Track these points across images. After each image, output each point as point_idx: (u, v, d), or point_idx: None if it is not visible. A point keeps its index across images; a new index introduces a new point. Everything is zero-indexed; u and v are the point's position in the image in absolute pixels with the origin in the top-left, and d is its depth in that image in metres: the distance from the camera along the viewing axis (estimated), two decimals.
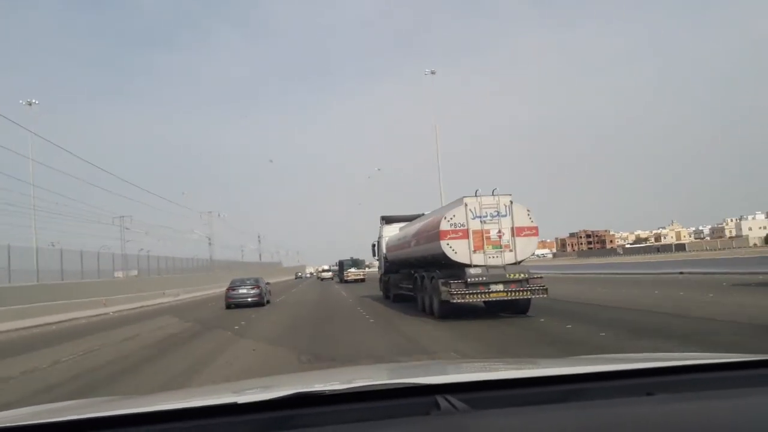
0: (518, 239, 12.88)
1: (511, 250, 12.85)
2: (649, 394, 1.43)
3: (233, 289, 23.58)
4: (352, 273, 53.92)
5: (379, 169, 68.70)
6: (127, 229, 56.31)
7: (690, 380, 1.59)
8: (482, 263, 12.72)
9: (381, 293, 25.32)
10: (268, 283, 27.44)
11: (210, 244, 68.72)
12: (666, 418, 1.27)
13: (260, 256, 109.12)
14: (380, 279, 25.27)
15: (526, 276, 12.69)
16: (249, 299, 23.21)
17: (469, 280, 12.47)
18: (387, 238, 22.96)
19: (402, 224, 22.46)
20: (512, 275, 12.58)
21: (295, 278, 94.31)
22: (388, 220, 24.13)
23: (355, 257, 60.14)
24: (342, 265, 58.60)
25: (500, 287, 12.59)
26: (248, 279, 25.15)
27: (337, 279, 62.42)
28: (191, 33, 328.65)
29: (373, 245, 25.83)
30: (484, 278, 12.52)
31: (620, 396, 1.47)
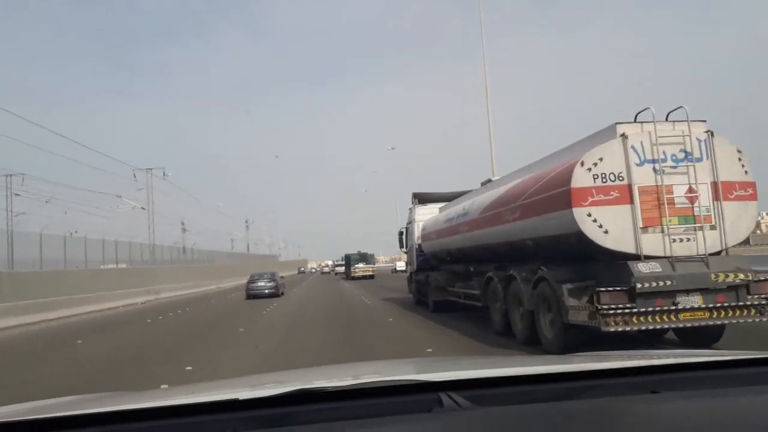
0: (726, 205, 6.57)
1: (713, 227, 6.55)
2: (653, 391, 1.40)
3: (252, 282, 26.45)
4: (360, 268, 48.09)
5: (392, 148, 63.11)
6: (17, 195, 35.89)
7: (695, 378, 1.56)
8: (661, 252, 6.43)
9: (409, 296, 19.18)
10: (282, 277, 30.03)
11: (184, 230, 52.45)
12: (671, 415, 1.24)
13: (248, 246, 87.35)
14: (410, 278, 19.04)
15: (748, 278, 6.38)
16: (266, 291, 25.74)
17: (638, 285, 6.17)
18: (422, 223, 16.82)
19: (442, 204, 16.37)
20: (722, 277, 6.28)
21: (298, 273, 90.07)
22: (422, 198, 17.87)
23: (362, 251, 53.74)
24: (349, 260, 52.20)
25: (697, 301, 6.30)
26: (265, 273, 27.82)
27: (342, 275, 57.23)
28: (197, 31, 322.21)
29: (401, 233, 19.57)
30: (670, 282, 6.22)
31: (625, 393, 1.44)
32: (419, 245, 17.19)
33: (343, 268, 58.45)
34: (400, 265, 76.08)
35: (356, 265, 49.08)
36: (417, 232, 17.26)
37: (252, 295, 25.57)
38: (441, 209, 16.00)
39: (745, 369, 1.63)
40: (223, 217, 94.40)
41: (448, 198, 16.60)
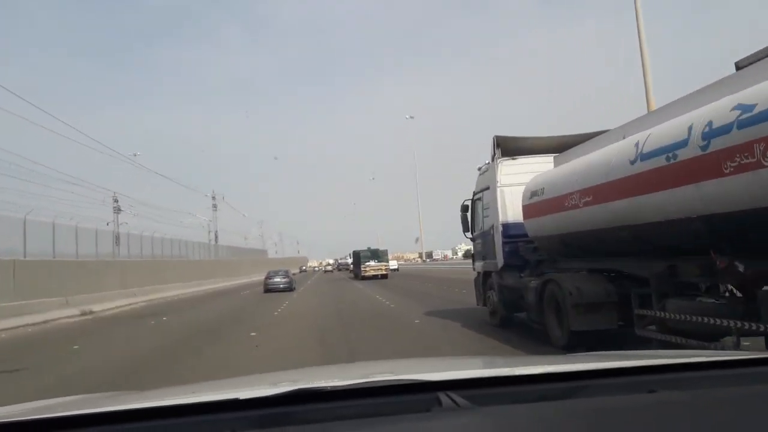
0: None
1: None
2: (651, 391, 1.38)
3: (270, 278, 30.08)
4: (372, 267, 41.46)
5: (411, 117, 57.99)
6: None
7: (693, 378, 1.56)
8: None
9: (473, 308, 12.06)
10: (294, 273, 37.50)
11: (118, 208, 32.06)
12: (668, 415, 1.22)
13: (216, 235, 61.31)
14: (481, 281, 11.60)
15: None
16: (281, 286, 29.43)
17: None
18: (512, 189, 9.89)
19: (548, 156, 9.38)
20: None
21: (300, 272, 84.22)
22: (511, 147, 10.45)
23: (372, 247, 45.85)
24: (358, 257, 44.83)
25: None
26: (280, 270, 31.45)
27: (340, 273, 52.70)
28: (196, 29, 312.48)
29: (465, 208, 12.24)
30: None
31: (622, 393, 1.43)
32: (506, 225, 10.03)
33: (353, 265, 51.85)
34: (393, 265, 71.03)
35: (367, 263, 41.93)
36: (502, 203, 10.09)
37: (269, 289, 29.31)
38: (558, 159, 8.90)
39: (742, 369, 1.63)
40: (187, 195, 72.75)
41: (561, 144, 9.50)
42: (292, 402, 1.36)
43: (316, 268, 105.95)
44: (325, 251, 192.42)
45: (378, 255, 43.60)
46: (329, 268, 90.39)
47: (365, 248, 44.99)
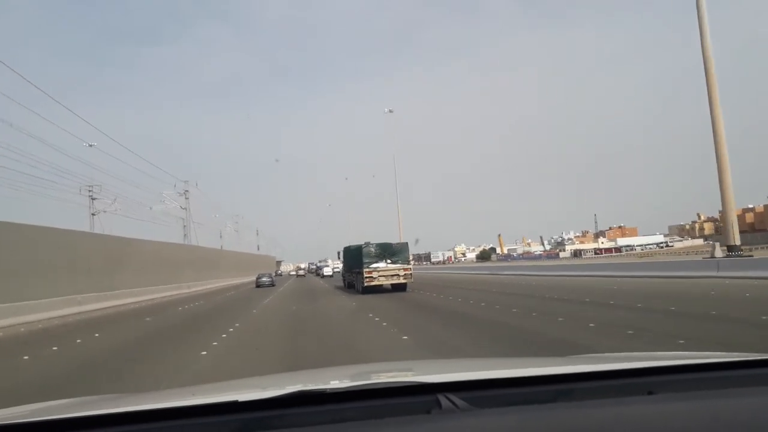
0: None
1: None
2: (650, 393, 1.40)
3: (259, 278, 45.32)
4: (382, 272, 25.10)
5: (390, 111, 51.11)
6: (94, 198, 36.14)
7: (691, 379, 1.56)
8: None
9: None
10: (275, 275, 60.36)
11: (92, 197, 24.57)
12: (667, 417, 1.23)
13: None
14: None
15: None
16: (266, 283, 44.13)
17: None
18: None
19: None
20: None
21: (276, 275, 76.02)
22: None
23: (378, 242, 26.72)
24: (358, 256, 26.39)
25: None
26: (266, 273, 47.46)
27: (321, 283, 43.77)
28: (184, 29, 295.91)
29: None
30: None
31: (622, 395, 1.43)
32: None
33: (344, 271, 33.07)
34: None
35: (374, 266, 25.19)
36: None
37: (258, 285, 43.71)
38: None
39: (740, 371, 1.62)
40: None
41: None
42: (292, 404, 1.36)
43: (292, 273, 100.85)
44: (291, 255, 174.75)
45: (392, 251, 25.79)
46: (301, 272, 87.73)
47: (365, 243, 26.50)
